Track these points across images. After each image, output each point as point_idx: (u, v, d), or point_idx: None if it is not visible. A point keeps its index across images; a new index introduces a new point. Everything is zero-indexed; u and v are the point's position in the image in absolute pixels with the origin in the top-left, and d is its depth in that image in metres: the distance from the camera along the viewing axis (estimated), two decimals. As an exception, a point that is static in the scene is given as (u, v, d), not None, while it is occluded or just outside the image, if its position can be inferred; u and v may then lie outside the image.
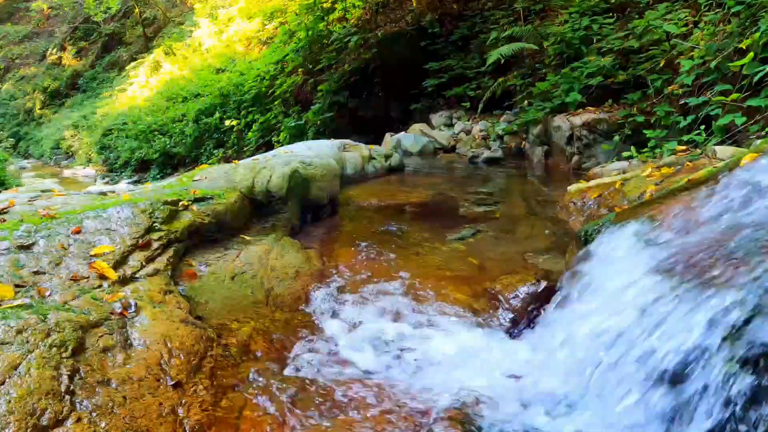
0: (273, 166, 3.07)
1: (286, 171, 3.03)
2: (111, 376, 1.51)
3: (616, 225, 2.10)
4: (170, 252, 2.19)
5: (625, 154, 4.15)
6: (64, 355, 1.48)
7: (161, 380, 1.57)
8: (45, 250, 1.95)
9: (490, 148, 5.98)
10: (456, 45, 7.55)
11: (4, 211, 2.35)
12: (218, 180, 2.95)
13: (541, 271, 2.36)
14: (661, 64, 4.61)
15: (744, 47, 3.64)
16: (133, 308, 1.78)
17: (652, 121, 4.42)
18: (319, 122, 8.12)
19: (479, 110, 6.55)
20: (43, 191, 3.44)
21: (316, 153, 3.70)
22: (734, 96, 3.62)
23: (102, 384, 1.48)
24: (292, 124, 8.58)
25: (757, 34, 3.56)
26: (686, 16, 4.62)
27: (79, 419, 1.36)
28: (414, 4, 8.08)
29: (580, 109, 5.11)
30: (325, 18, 9.06)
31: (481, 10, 7.57)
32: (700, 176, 2.17)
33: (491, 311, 2.20)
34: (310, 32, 8.98)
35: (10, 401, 1.31)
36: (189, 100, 12.93)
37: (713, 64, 3.87)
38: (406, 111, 7.70)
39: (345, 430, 1.52)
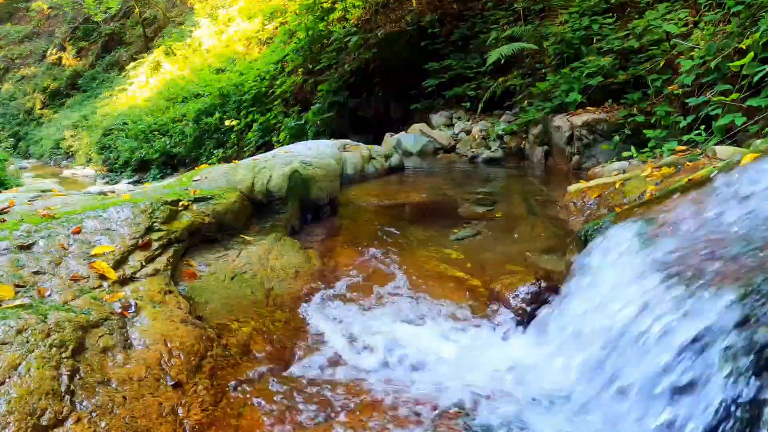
0: (273, 166, 3.07)
1: (286, 171, 3.03)
2: (111, 376, 1.51)
3: (616, 225, 2.10)
4: (170, 252, 2.19)
5: (625, 154, 4.15)
6: (64, 355, 1.48)
7: (161, 380, 1.57)
8: (45, 250, 1.95)
9: (490, 148, 5.98)
10: (456, 45, 7.55)
11: (4, 211, 2.35)
12: (218, 180, 2.94)
13: (541, 271, 2.36)
14: (661, 64, 4.61)
15: (744, 47, 3.64)
16: (133, 308, 1.78)
17: (652, 121, 4.42)
18: (319, 122, 8.12)
19: (479, 110, 6.55)
20: (43, 191, 3.44)
21: (316, 153, 3.69)
22: (734, 96, 3.62)
23: (102, 384, 1.48)
24: (292, 124, 8.58)
25: (757, 34, 3.56)
26: (686, 16, 4.62)
27: (79, 419, 1.36)
28: (414, 4, 8.08)
29: (580, 109, 5.11)
30: (325, 18, 9.05)
31: (481, 10, 7.57)
32: (700, 176, 2.17)
33: (491, 311, 2.20)
34: (310, 32, 8.98)
35: (10, 401, 1.31)
36: (189, 100, 12.92)
37: (713, 64, 3.87)
38: (406, 111, 7.70)
39: (345, 429, 1.52)
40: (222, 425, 1.52)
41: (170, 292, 1.98)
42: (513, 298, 2.22)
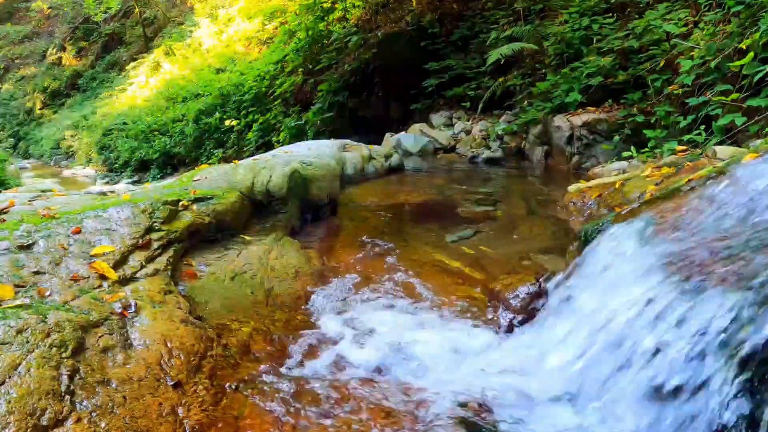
0: (273, 166, 3.07)
1: (286, 171, 3.03)
2: (111, 376, 1.51)
3: (616, 224, 2.10)
4: (170, 252, 2.19)
5: (625, 154, 4.15)
6: (64, 355, 1.48)
7: (161, 380, 1.57)
8: (45, 250, 1.95)
9: (490, 148, 5.98)
10: (456, 45, 7.54)
11: (4, 211, 2.35)
12: (218, 180, 2.95)
13: (541, 271, 2.36)
14: (661, 64, 4.61)
15: (744, 47, 3.64)
16: (133, 308, 1.78)
17: (652, 121, 4.42)
18: (319, 122, 8.12)
19: (479, 110, 6.55)
20: (43, 191, 3.44)
21: (316, 153, 3.69)
22: (734, 96, 3.62)
23: (102, 384, 1.48)
24: (292, 124, 8.58)
25: (757, 34, 3.56)
26: (686, 16, 4.62)
27: (79, 419, 1.36)
28: (414, 4, 8.07)
29: (580, 109, 5.11)
30: (325, 18, 9.05)
31: (481, 10, 7.57)
32: (700, 176, 2.17)
33: (491, 311, 2.20)
34: (310, 32, 8.98)
35: (10, 401, 1.31)
36: (189, 100, 12.92)
37: (713, 64, 3.87)
38: (406, 111, 7.70)
39: (345, 429, 1.52)
40: (222, 425, 1.52)
41: (170, 292, 1.98)
42: (513, 298, 2.22)
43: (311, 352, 1.93)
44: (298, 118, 8.66)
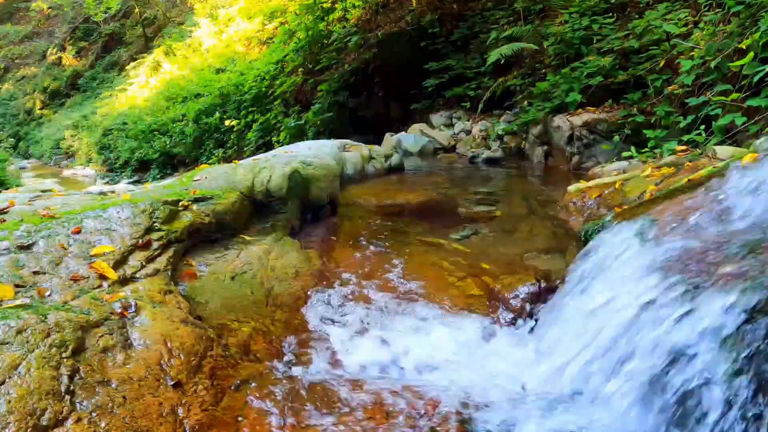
0: (273, 166, 3.07)
1: (286, 171, 3.03)
2: (111, 376, 1.51)
3: (616, 224, 2.10)
4: (170, 252, 2.19)
5: (625, 154, 4.15)
6: (64, 355, 1.48)
7: (161, 380, 1.57)
8: (45, 250, 1.95)
9: (490, 148, 5.97)
10: (456, 45, 7.54)
11: (4, 211, 2.35)
12: (218, 180, 2.95)
13: (541, 271, 2.36)
14: (661, 64, 4.61)
15: (744, 47, 3.64)
16: (133, 308, 1.78)
17: (652, 121, 4.42)
18: (319, 122, 8.12)
19: (479, 110, 6.55)
20: (43, 191, 3.44)
21: (316, 153, 3.69)
22: (734, 96, 3.62)
23: (102, 384, 1.48)
24: (292, 124, 8.57)
25: (757, 34, 3.55)
26: (686, 16, 4.62)
27: (79, 419, 1.36)
28: (414, 4, 8.07)
29: (580, 109, 5.10)
30: (325, 18, 9.04)
31: (481, 10, 7.57)
32: (700, 176, 2.17)
33: (491, 311, 2.20)
34: (310, 32, 8.98)
35: (10, 401, 1.31)
36: (189, 100, 12.92)
37: (713, 64, 3.87)
38: (406, 111, 7.70)
39: (344, 430, 1.52)
40: (222, 425, 1.52)
41: (170, 292, 1.98)
42: (513, 298, 2.22)
43: (311, 352, 1.93)
44: (298, 118, 8.65)
